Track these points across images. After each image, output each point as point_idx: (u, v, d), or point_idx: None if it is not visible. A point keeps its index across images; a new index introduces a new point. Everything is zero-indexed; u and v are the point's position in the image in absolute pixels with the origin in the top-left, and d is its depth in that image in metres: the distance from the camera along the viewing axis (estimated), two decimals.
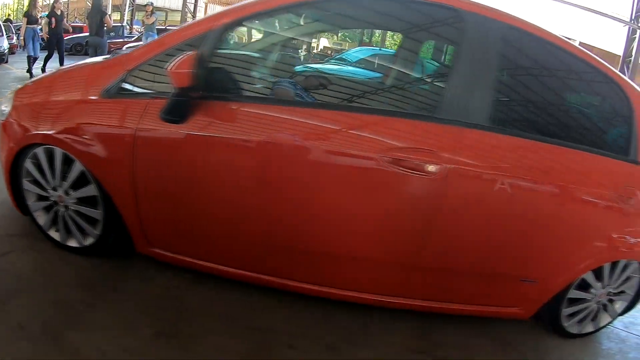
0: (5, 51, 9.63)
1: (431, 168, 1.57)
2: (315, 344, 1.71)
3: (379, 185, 1.60)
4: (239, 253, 1.79)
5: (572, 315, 2.01)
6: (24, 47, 7.81)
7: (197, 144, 1.65)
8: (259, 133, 1.61)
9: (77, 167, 1.77)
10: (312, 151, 1.61)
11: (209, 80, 1.60)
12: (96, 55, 6.52)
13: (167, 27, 13.20)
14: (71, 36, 11.95)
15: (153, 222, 1.79)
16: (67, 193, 1.83)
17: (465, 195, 1.63)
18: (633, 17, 10.43)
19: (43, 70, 7.22)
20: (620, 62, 10.66)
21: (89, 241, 1.89)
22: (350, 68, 2.86)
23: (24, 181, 1.88)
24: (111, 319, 1.65)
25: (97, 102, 1.74)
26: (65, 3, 18.21)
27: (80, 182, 1.80)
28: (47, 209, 1.90)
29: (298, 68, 2.14)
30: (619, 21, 10.86)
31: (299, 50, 2.25)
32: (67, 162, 1.79)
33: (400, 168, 1.57)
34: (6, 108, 1.96)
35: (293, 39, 2.20)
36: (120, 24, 15.66)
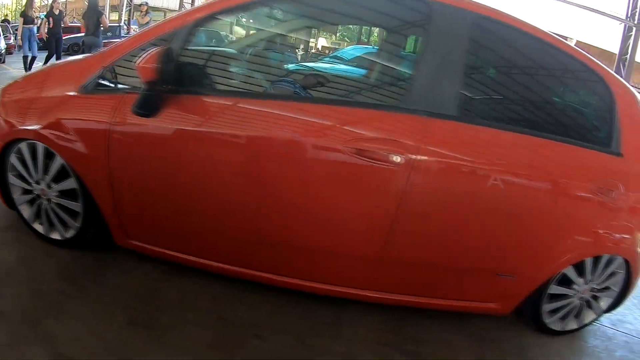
0: (3, 51, 9.70)
1: (396, 158, 1.56)
2: (284, 336, 1.72)
3: (344, 176, 1.60)
4: (209, 244, 1.81)
5: (554, 311, 1.97)
6: (22, 47, 7.87)
7: (168, 137, 1.68)
8: (227, 126, 1.64)
9: (58, 161, 1.83)
10: (276, 142, 1.62)
11: (177, 74, 1.64)
12: None
13: None
14: (68, 36, 11.91)
15: (130, 214, 1.83)
16: (49, 186, 1.90)
17: (432, 186, 1.62)
18: (629, 15, 10.39)
19: None
20: (616, 60, 10.59)
21: (70, 233, 1.95)
22: (330, 65, 2.87)
23: (9, 175, 1.95)
24: (88, 309, 1.69)
25: (76, 98, 1.79)
26: (63, 3, 18.41)
27: (61, 175, 1.86)
28: (31, 202, 1.97)
29: (274, 63, 2.15)
30: (615, 19, 10.79)
31: (271, 44, 2.27)
32: (49, 156, 1.85)
33: (365, 159, 1.56)
34: None
35: (262, 32, 2.22)
36: (117, 24, 15.82)
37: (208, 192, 1.71)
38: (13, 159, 1.92)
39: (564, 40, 1.80)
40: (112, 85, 1.77)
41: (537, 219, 1.73)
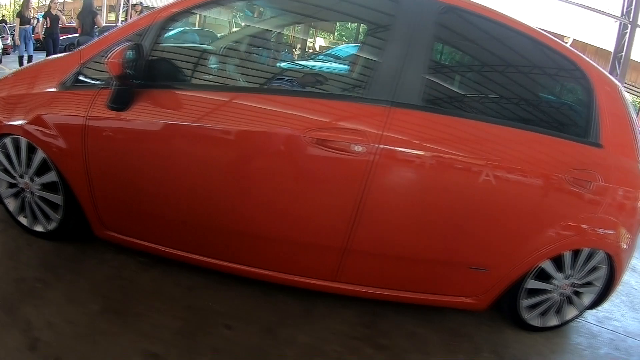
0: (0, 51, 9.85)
1: (358, 148, 1.56)
2: (253, 326, 1.74)
3: (305, 166, 1.61)
4: (179, 235, 1.84)
5: (533, 307, 1.93)
6: (19, 47, 7.96)
7: (140, 130, 1.72)
8: (194, 118, 1.67)
9: (40, 155, 1.90)
10: (238, 133, 1.64)
11: (148, 69, 1.68)
12: None
13: None
14: (65, 36, 11.84)
15: (106, 206, 1.88)
16: (32, 180, 1.96)
17: (395, 177, 1.61)
18: (624, 13, 10.34)
19: None
20: (611, 57, 10.41)
21: (52, 226, 2.01)
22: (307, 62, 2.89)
23: None
24: (64, 297, 1.75)
25: (55, 94, 1.86)
26: (61, 3, 18.72)
27: (43, 169, 1.92)
28: (16, 196, 2.04)
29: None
30: (610, 16, 10.66)
31: (241, 39, 2.30)
32: (32, 150, 1.92)
33: (326, 149, 1.57)
34: None
35: (235, 28, 2.26)
36: (115, 24, 16.17)
37: (177, 183, 1.74)
38: None
39: (537, 29, 1.77)
40: (89, 81, 1.83)
41: (509, 211, 1.70)
